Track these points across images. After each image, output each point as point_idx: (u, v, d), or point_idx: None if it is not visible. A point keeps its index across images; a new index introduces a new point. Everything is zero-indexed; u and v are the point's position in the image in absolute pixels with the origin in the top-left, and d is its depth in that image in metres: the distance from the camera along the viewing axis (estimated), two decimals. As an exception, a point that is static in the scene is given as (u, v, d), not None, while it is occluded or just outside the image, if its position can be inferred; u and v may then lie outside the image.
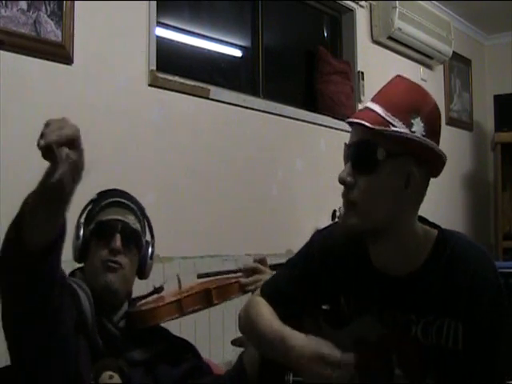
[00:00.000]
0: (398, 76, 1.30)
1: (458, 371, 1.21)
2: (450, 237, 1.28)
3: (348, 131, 1.29)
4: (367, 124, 1.18)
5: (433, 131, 1.23)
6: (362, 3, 4.19)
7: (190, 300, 1.64)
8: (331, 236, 1.40)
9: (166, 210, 2.68)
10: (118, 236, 1.55)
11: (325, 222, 3.12)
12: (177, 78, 2.85)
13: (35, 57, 2.28)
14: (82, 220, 1.63)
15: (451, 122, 5.15)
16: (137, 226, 1.62)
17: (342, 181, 1.24)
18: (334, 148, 3.72)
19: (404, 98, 1.23)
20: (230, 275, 1.81)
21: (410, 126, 1.20)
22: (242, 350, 1.58)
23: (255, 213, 3.22)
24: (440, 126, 1.27)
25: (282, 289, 1.43)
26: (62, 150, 1.05)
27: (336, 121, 3.78)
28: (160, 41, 2.84)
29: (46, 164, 1.23)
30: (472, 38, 5.68)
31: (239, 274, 1.78)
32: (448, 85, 5.19)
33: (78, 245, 1.58)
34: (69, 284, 1.51)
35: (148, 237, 1.72)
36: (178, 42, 3.12)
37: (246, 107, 3.23)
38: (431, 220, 1.34)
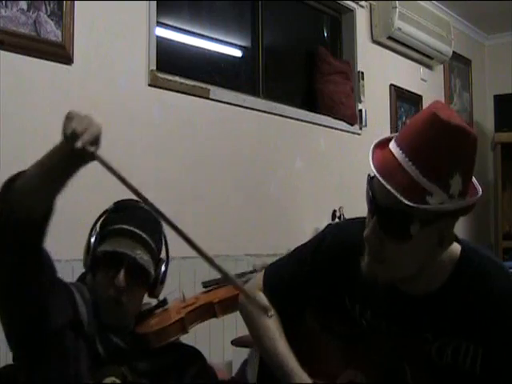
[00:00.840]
0: (436, 110, 1.08)
1: None
2: (473, 256, 1.22)
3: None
4: (405, 200, 1.06)
5: (470, 176, 1.14)
6: (362, 3, 4.19)
7: (193, 316, 1.63)
8: (346, 232, 1.35)
9: (165, 210, 2.64)
10: (123, 272, 1.48)
11: (325, 222, 3.12)
12: (177, 78, 2.85)
13: (35, 57, 2.28)
14: (94, 231, 1.55)
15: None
16: (145, 259, 1.51)
17: (369, 242, 1.16)
18: (334, 148, 3.73)
19: (444, 157, 1.07)
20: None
21: (447, 188, 1.08)
22: (241, 350, 1.58)
23: (255, 213, 3.22)
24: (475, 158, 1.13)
25: (285, 282, 1.40)
26: (90, 148, 1.19)
27: (336, 121, 3.76)
28: (160, 41, 2.84)
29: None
30: (472, 38, 5.68)
31: (243, 279, 1.73)
32: (448, 85, 5.19)
33: (88, 260, 1.54)
34: (64, 283, 1.49)
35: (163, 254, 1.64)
36: (177, 42, 3.12)
37: (246, 107, 3.23)
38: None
